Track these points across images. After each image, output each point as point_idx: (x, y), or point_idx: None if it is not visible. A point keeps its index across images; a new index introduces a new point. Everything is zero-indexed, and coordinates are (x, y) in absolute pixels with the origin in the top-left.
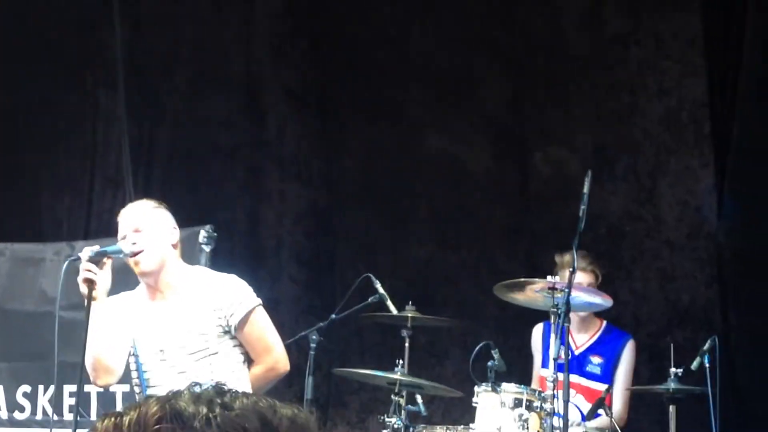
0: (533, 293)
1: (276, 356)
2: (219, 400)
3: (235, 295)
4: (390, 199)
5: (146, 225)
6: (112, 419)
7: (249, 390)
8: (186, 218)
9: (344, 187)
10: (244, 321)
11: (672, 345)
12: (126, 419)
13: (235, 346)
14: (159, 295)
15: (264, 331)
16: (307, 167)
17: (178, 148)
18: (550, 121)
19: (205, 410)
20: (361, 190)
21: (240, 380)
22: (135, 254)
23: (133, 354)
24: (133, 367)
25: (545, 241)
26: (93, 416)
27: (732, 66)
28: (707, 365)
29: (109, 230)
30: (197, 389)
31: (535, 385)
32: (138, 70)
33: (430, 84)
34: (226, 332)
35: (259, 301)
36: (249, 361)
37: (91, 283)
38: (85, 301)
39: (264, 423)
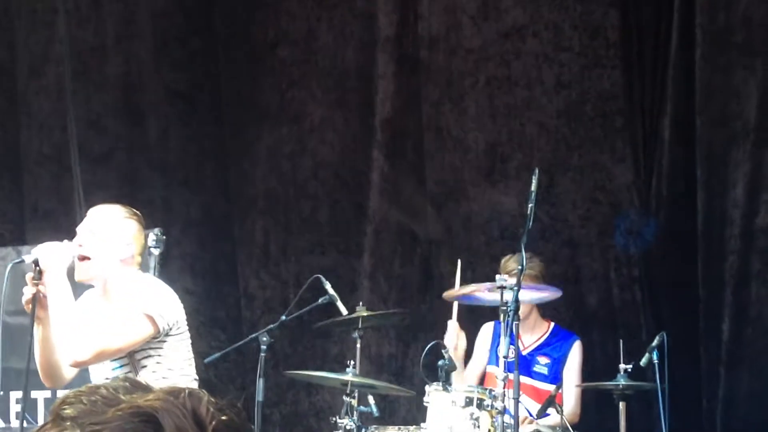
0: (481, 294)
1: (82, 347)
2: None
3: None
4: (291, 205)
5: (102, 231)
6: None
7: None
8: (54, 228)
9: (243, 193)
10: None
11: (621, 342)
12: None
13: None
14: (104, 297)
15: (109, 323)
16: (198, 172)
17: (45, 152)
18: (446, 119)
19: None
20: (260, 196)
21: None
22: (81, 258)
23: None
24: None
25: (440, 245)
26: (40, 422)
27: (654, 57)
28: (656, 361)
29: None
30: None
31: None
32: (5, 70)
33: (331, 84)
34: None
35: (144, 309)
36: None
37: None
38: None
39: None
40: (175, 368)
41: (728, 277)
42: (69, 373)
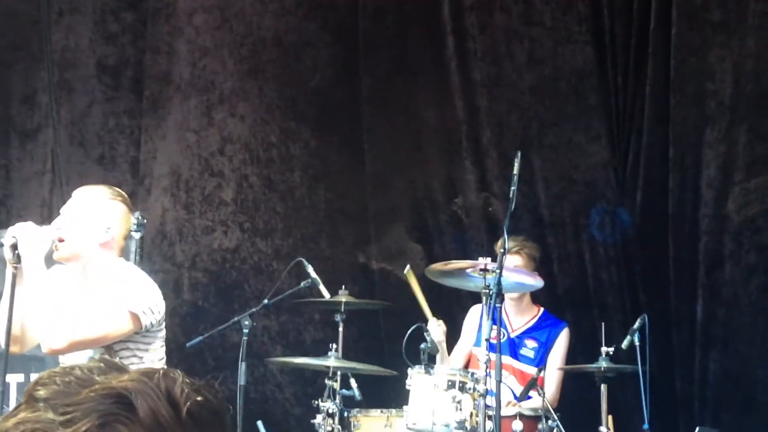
0: (465, 275)
1: (59, 336)
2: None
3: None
4: (197, 183)
5: (81, 214)
6: None
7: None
8: None
9: (149, 170)
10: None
11: (603, 324)
12: None
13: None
14: (82, 279)
15: (89, 313)
16: (112, 149)
17: None
18: (398, 94)
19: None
20: (167, 174)
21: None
22: (59, 240)
23: None
24: None
25: (384, 225)
26: (12, 405)
27: (626, 34)
28: (637, 344)
29: None
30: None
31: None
32: None
33: (249, 54)
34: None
35: (129, 306)
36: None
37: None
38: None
39: None
40: (154, 360)
41: (702, 258)
42: (34, 340)
